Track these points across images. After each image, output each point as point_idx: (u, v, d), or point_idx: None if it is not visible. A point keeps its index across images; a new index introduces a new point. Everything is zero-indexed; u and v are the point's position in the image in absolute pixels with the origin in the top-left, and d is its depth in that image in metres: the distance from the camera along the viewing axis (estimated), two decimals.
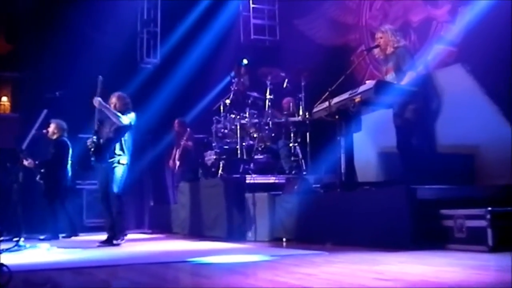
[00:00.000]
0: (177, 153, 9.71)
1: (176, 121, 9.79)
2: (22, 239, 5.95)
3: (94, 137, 6.23)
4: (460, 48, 6.61)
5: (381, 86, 5.31)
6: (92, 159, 6.34)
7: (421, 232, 4.41)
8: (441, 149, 6.10)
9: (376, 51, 6.01)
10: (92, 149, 6.26)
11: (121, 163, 6.35)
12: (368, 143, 6.60)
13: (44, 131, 8.03)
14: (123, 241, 6.34)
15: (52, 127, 8.19)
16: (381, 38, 5.87)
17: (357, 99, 5.29)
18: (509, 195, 4.68)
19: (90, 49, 10.00)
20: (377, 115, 6.06)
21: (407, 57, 5.67)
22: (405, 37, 6.29)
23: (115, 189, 6.30)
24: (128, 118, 6.39)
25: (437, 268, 3.25)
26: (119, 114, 6.32)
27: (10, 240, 6.18)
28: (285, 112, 7.99)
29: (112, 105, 6.48)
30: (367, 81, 5.69)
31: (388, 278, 2.88)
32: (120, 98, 6.56)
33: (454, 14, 6.83)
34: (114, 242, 6.25)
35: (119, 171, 6.34)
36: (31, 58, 10.74)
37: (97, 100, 6.21)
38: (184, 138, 9.49)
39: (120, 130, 6.39)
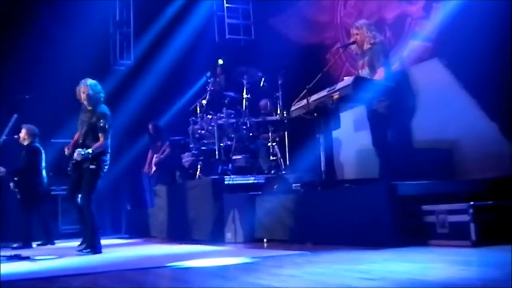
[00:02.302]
0: (153, 157, 9.57)
1: (150, 125, 9.66)
2: None
3: (81, 150, 5.82)
4: (435, 43, 6.61)
5: (359, 82, 5.28)
6: (69, 169, 6.07)
7: (403, 228, 4.37)
8: (419, 144, 6.09)
9: (353, 46, 5.98)
10: (74, 162, 5.94)
11: (95, 166, 5.95)
12: (347, 140, 6.57)
13: (16, 136, 7.82)
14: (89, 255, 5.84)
15: (23, 133, 7.96)
16: (357, 34, 5.85)
17: (336, 96, 5.25)
18: (489, 189, 4.67)
19: (61, 51, 9.79)
20: (356, 111, 6.03)
21: (381, 54, 5.68)
22: (380, 34, 6.26)
23: (85, 197, 5.91)
24: (106, 137, 5.96)
25: (422, 265, 3.20)
26: (101, 144, 5.90)
27: None
28: (262, 112, 7.91)
29: (83, 95, 6.01)
30: (345, 78, 5.65)
31: (374, 277, 2.81)
32: (92, 88, 6.02)
33: (428, 9, 6.83)
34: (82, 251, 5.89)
35: (92, 176, 5.93)
36: None
37: (79, 156, 5.78)
38: (160, 145, 9.37)
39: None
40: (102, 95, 6.15)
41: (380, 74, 5.55)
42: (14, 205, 8.06)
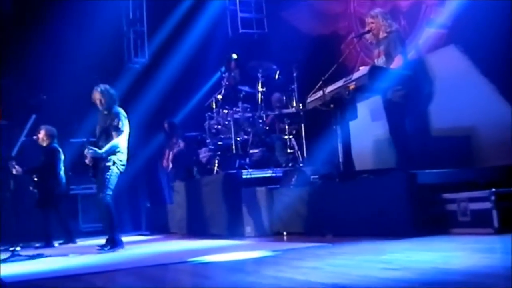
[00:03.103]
0: (170, 154, 9.61)
1: (166, 123, 9.68)
2: (18, 248, 5.83)
3: (92, 148, 5.94)
4: (451, 30, 6.51)
5: (375, 71, 5.23)
6: (90, 174, 6.14)
7: (424, 217, 4.35)
8: (436, 132, 6.02)
9: (368, 35, 5.92)
10: (92, 165, 6.03)
11: (111, 164, 6.02)
12: (364, 131, 6.51)
13: (34, 137, 7.88)
14: (111, 252, 5.89)
15: (42, 134, 8.02)
16: (372, 23, 5.79)
17: (352, 86, 5.21)
18: (509, 176, 4.61)
19: (76, 51, 9.86)
20: (372, 101, 5.98)
21: (398, 42, 5.61)
22: (395, 22, 6.19)
23: (103, 194, 5.96)
24: (121, 137, 6.03)
25: (445, 254, 3.18)
26: (114, 143, 5.98)
27: (6, 250, 6.06)
28: (277, 105, 7.89)
29: (98, 101, 6.14)
30: (360, 68, 5.60)
31: (396, 267, 2.79)
32: (105, 93, 6.15)
33: None
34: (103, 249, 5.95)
35: (109, 175, 5.99)
36: (14, 63, 10.57)
37: (89, 155, 5.91)
38: (175, 142, 9.40)
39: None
40: (115, 98, 6.26)
41: (397, 62, 5.49)
42: (33, 205, 8.13)
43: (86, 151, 5.94)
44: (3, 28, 10.49)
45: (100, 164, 6.03)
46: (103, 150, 5.97)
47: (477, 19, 5.85)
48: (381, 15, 5.79)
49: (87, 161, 6.06)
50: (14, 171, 7.35)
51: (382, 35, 5.74)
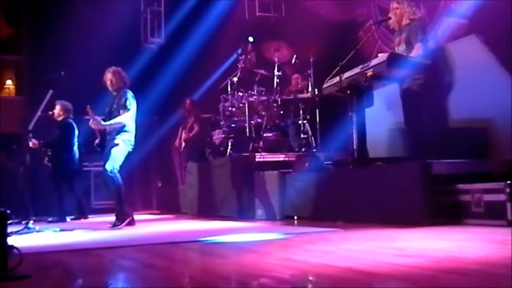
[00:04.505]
0: (183, 133, 9.61)
1: (187, 99, 9.63)
2: (31, 221, 5.90)
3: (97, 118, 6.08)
4: (471, 20, 6.45)
5: (393, 59, 5.18)
6: (98, 149, 6.28)
7: (437, 207, 4.34)
8: (453, 123, 5.97)
9: (390, 21, 5.84)
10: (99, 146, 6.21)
11: (119, 142, 6.13)
12: (379, 118, 6.47)
13: (50, 112, 7.94)
14: (123, 225, 6.02)
15: (57, 109, 8.09)
16: (397, 8, 5.70)
17: (369, 73, 5.17)
18: None
19: (93, 29, 9.89)
20: (389, 89, 5.94)
21: (420, 30, 5.53)
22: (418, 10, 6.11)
23: (109, 167, 6.07)
24: (127, 114, 6.15)
25: (459, 244, 3.17)
26: (119, 120, 6.11)
27: (19, 222, 6.14)
28: (293, 89, 7.87)
29: (108, 82, 6.30)
30: (379, 54, 5.55)
31: (410, 254, 2.80)
32: (116, 74, 6.31)
33: None
34: (115, 226, 6.02)
35: (116, 150, 6.13)
36: (33, 40, 10.64)
37: (93, 124, 6.04)
38: (191, 122, 9.39)
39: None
40: (125, 80, 6.38)
41: (417, 50, 5.42)
42: (48, 179, 8.21)
43: (90, 121, 6.03)
44: (24, 5, 10.54)
45: (108, 144, 6.15)
46: (108, 122, 6.09)
47: (498, 10, 5.78)
48: (407, 1, 5.71)
49: (95, 143, 6.17)
50: (31, 144, 7.42)
51: (405, 21, 5.66)
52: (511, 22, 5.42)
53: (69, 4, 10.03)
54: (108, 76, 6.30)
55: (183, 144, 9.56)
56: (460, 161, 4.77)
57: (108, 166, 6.07)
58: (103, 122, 6.08)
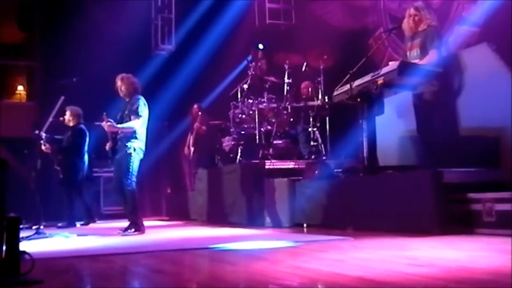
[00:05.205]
0: (191, 139, 9.64)
1: (195, 105, 9.68)
2: (42, 226, 5.93)
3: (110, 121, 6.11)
4: (483, 28, 6.43)
5: (404, 67, 5.16)
6: (110, 154, 6.29)
7: (448, 216, 4.31)
8: (465, 131, 5.95)
9: (404, 26, 5.81)
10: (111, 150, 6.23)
11: (131, 152, 6.15)
12: (390, 126, 6.46)
13: (61, 118, 7.99)
14: (135, 232, 6.05)
15: (67, 114, 8.14)
16: (416, 15, 5.67)
17: (380, 81, 5.16)
18: None
19: (104, 36, 9.96)
20: (400, 97, 5.93)
21: (436, 37, 5.51)
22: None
23: (126, 180, 6.08)
24: (138, 121, 6.15)
25: (470, 253, 3.15)
26: (131, 124, 6.12)
27: (30, 227, 6.17)
28: (303, 97, 7.87)
29: (119, 89, 6.34)
30: (390, 62, 5.54)
31: (422, 264, 2.78)
32: (125, 80, 6.34)
33: None
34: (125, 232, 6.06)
35: (130, 162, 6.12)
36: (45, 46, 10.72)
37: (106, 125, 6.04)
38: (197, 123, 9.43)
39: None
40: (137, 86, 6.41)
41: (431, 57, 5.38)
42: (58, 185, 8.25)
43: (103, 123, 6.04)
44: (36, 11, 10.63)
45: (120, 151, 6.17)
46: (120, 125, 6.11)
47: (509, 18, 5.76)
48: (426, 9, 5.71)
49: (107, 147, 6.19)
50: (44, 148, 7.48)
51: (422, 27, 5.64)
52: None
53: (82, 11, 10.11)
54: (118, 83, 6.35)
55: (192, 150, 9.59)
56: (472, 170, 4.73)
57: (125, 180, 6.09)
58: (116, 125, 6.09)
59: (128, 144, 6.14)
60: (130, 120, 6.16)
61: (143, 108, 6.25)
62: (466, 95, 5.86)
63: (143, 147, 6.29)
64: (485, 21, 6.35)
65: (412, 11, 5.72)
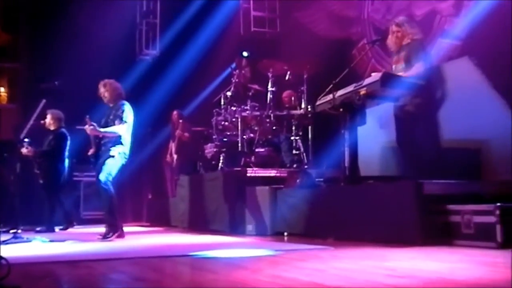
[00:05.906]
0: (173, 146, 9.61)
1: (175, 112, 9.68)
2: (19, 230, 5.85)
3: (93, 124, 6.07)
4: (465, 42, 6.52)
5: (387, 78, 5.21)
6: (92, 160, 6.25)
7: (428, 227, 4.34)
8: (446, 143, 6.01)
9: (388, 41, 5.85)
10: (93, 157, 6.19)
11: (115, 155, 6.13)
12: (372, 137, 6.51)
13: (42, 121, 7.91)
14: (113, 237, 6.01)
15: (48, 118, 8.07)
16: (398, 32, 5.71)
17: (363, 91, 5.20)
18: None
19: (88, 40, 9.90)
20: (382, 108, 5.97)
21: (420, 50, 5.55)
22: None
23: (103, 178, 6.04)
24: (123, 126, 6.13)
25: (450, 265, 3.17)
26: (115, 129, 6.10)
27: (7, 232, 6.08)
28: (286, 105, 7.89)
29: (102, 95, 6.32)
30: (372, 74, 5.59)
31: (401, 275, 2.79)
32: (108, 86, 6.32)
33: (459, 7, 6.73)
34: (105, 238, 6.00)
35: (111, 162, 6.11)
36: (28, 48, 10.64)
37: (89, 129, 5.99)
38: (178, 130, 9.40)
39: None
40: (120, 91, 6.40)
41: (417, 69, 5.41)
42: (38, 188, 8.16)
43: (86, 126, 5.99)
44: (21, 14, 10.54)
45: (103, 156, 6.12)
46: (104, 129, 6.07)
47: (491, 32, 5.85)
48: (408, 23, 5.74)
49: (89, 153, 6.15)
50: (25, 151, 7.41)
51: (406, 41, 5.69)
52: (505, 46, 5.48)
53: (67, 14, 10.04)
54: (101, 90, 6.33)
55: (175, 157, 9.55)
56: (452, 182, 4.78)
57: (102, 177, 6.05)
58: (98, 128, 6.05)
59: (112, 148, 6.11)
60: (114, 125, 6.12)
61: (128, 114, 6.22)
62: (448, 107, 5.93)
63: (127, 153, 6.26)
64: (467, 35, 6.44)
65: (394, 27, 5.78)
